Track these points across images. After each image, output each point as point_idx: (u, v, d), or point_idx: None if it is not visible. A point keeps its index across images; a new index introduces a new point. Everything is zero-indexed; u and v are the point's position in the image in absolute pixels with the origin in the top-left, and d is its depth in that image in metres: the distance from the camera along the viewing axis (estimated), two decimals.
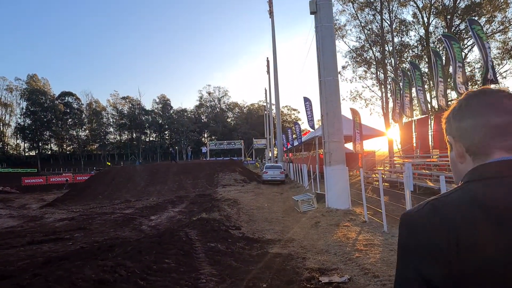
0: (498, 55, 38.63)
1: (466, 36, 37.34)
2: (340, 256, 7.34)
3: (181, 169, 34.53)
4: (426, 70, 38.25)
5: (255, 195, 21.81)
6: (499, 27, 37.74)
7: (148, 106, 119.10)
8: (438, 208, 1.02)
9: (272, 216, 13.51)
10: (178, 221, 14.11)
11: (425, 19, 40.02)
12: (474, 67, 40.33)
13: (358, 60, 42.94)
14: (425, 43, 40.09)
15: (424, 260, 0.99)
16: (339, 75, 17.88)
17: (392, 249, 7.37)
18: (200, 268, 6.56)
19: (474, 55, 40.87)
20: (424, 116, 25.15)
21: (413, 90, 25.96)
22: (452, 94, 32.75)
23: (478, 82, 37.93)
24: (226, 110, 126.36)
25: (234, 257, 7.47)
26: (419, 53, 41.51)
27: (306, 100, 30.83)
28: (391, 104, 42.49)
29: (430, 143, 24.03)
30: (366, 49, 42.27)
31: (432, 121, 23.66)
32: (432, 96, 35.85)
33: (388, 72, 41.55)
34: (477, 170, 1.07)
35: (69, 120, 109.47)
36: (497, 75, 19.24)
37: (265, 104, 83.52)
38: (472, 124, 1.09)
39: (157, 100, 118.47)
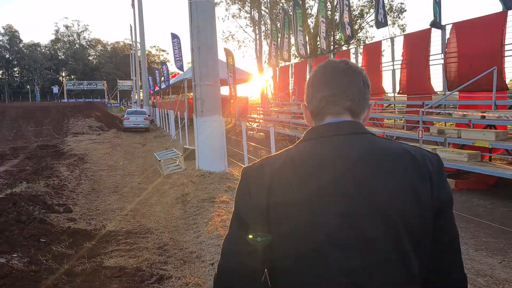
0: (367, 3, 38.55)
1: None
2: None
3: (22, 113, 28.59)
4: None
5: (111, 148, 18.06)
6: None
7: None
8: (263, 163, 1.25)
9: (126, 182, 10.24)
10: None
11: None
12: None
13: None
14: None
15: (243, 205, 1.22)
16: None
17: None
18: None
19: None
20: (303, 60, 23.34)
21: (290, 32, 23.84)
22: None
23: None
24: (87, 47, 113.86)
25: (36, 286, 4.24)
26: None
27: (174, 36, 26.86)
28: (265, 47, 40.55)
29: None
30: None
31: (311, 66, 21.90)
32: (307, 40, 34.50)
33: (263, 12, 39.13)
34: (308, 132, 1.30)
35: None
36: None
37: (131, 42, 76.14)
38: (314, 93, 1.31)
39: (2, 31, 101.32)
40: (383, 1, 15.61)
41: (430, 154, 1.23)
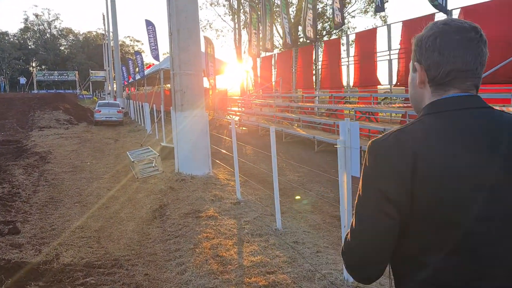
0: None
1: None
2: None
3: None
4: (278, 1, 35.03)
5: (79, 144, 16.38)
6: None
7: None
8: (399, 138, 1.14)
9: (92, 188, 8.69)
10: None
11: None
12: (326, 4, 38.26)
13: None
14: None
15: (383, 179, 1.13)
16: None
17: None
18: None
19: None
20: (287, 49, 21.95)
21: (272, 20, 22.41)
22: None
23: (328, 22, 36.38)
24: (59, 36, 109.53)
25: None
26: None
27: (149, 24, 25.10)
28: (244, 37, 38.99)
29: (292, 81, 21.04)
30: None
31: (297, 56, 20.55)
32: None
33: (242, 0, 37.51)
34: (433, 104, 1.18)
35: None
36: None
37: (103, 32, 73.24)
38: (442, 60, 1.15)
39: None
40: None
41: None
